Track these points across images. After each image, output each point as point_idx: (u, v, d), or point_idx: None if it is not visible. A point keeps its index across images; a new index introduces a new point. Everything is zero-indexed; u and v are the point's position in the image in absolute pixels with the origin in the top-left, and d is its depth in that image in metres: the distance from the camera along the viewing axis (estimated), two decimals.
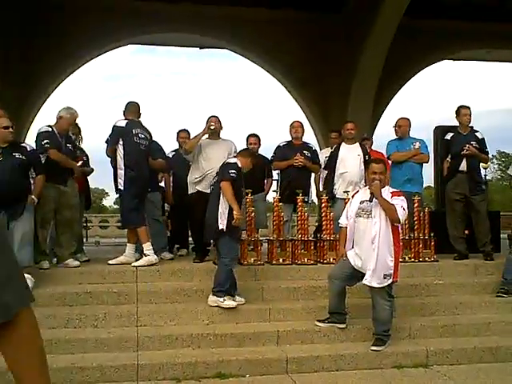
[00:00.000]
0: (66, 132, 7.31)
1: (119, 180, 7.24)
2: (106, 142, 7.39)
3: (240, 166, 6.51)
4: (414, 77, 14.79)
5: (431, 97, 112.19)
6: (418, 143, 8.48)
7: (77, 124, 7.94)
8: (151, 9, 12.49)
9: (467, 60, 16.74)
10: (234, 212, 6.23)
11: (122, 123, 7.28)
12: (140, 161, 7.36)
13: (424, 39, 13.63)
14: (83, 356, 5.55)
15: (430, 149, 9.04)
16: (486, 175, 8.50)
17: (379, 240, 5.73)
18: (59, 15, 12.23)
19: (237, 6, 12.81)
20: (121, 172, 7.22)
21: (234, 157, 6.86)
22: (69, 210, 7.24)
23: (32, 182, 6.61)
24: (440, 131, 9.82)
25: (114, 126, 7.28)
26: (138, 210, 7.35)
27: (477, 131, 8.18)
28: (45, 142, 6.98)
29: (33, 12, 12.18)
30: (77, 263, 7.20)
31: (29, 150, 6.66)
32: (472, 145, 7.96)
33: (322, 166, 8.64)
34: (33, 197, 6.52)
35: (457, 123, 8.31)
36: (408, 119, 8.73)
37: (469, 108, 8.18)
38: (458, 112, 8.20)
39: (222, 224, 6.29)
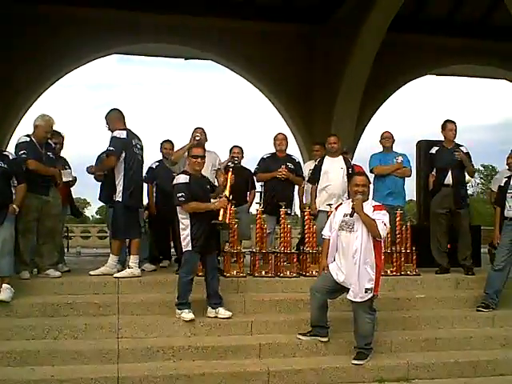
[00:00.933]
0: (45, 140, 7.18)
1: (117, 192, 7.19)
2: (108, 153, 7.25)
3: (184, 179, 6.41)
4: (398, 91, 14.93)
5: (414, 111, 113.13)
6: (400, 157, 8.55)
7: (59, 132, 7.88)
8: (137, 19, 12.49)
9: (451, 75, 16.91)
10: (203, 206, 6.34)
11: (123, 134, 7.20)
12: (139, 172, 7.43)
13: (408, 54, 13.77)
14: (63, 368, 5.49)
15: (413, 163, 9.10)
16: (467, 189, 8.54)
17: (361, 254, 5.75)
18: (39, 25, 12.19)
19: (223, 18, 12.84)
20: (120, 184, 7.18)
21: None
22: (51, 219, 7.17)
23: (13, 191, 6.53)
24: (423, 145, 9.89)
25: (116, 138, 7.16)
26: (138, 222, 7.48)
27: (461, 145, 8.25)
28: (22, 152, 6.87)
29: (10, 23, 12.10)
30: (58, 274, 7.12)
31: (11, 158, 6.58)
32: (458, 158, 8.02)
33: (306, 179, 8.66)
34: (14, 206, 6.43)
35: (441, 137, 8.38)
36: (391, 133, 8.79)
37: (454, 123, 8.25)
38: (443, 126, 8.26)
39: (184, 242, 6.34)
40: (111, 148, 7.17)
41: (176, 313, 6.28)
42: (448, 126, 8.23)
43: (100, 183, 8.13)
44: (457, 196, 8.06)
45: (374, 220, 5.75)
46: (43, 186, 7.03)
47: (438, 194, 8.21)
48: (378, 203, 6.12)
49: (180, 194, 6.28)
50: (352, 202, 5.91)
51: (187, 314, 6.19)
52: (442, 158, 8.20)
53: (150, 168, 8.70)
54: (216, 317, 6.33)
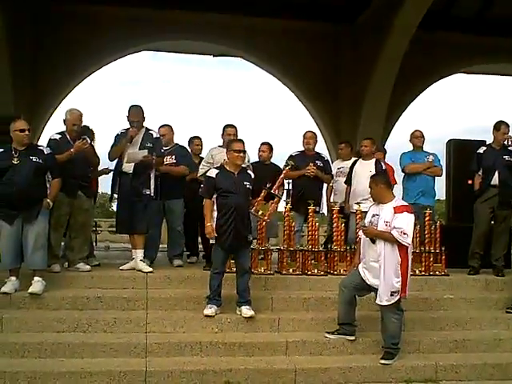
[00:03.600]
0: (75, 133, 7.22)
1: (151, 187, 7.36)
2: (160, 153, 7.50)
3: (212, 173, 6.51)
4: (427, 89, 14.78)
5: (442, 110, 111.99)
6: (431, 156, 8.48)
7: (88, 127, 7.93)
8: (167, 17, 12.57)
9: (481, 74, 16.70)
10: (205, 226, 6.40)
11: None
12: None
13: (438, 52, 13.61)
14: (92, 361, 5.57)
15: (443, 162, 9.02)
16: None
17: (385, 258, 5.73)
18: (72, 21, 12.39)
19: (251, 16, 12.85)
20: (153, 179, 7.37)
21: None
22: (82, 214, 7.26)
23: (48, 185, 6.61)
24: (453, 145, 9.80)
25: (157, 137, 7.49)
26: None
27: (509, 146, 8.16)
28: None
29: (46, 18, 12.35)
30: (88, 267, 7.21)
31: (46, 153, 6.64)
32: (505, 159, 7.96)
33: (334, 177, 8.66)
34: (48, 200, 6.50)
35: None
36: (422, 132, 8.73)
37: (509, 126, 8.16)
38: (497, 127, 8.14)
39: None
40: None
41: None
42: (502, 128, 8.12)
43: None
44: (502, 197, 7.98)
45: (390, 233, 5.68)
46: (74, 184, 7.11)
47: (483, 194, 8.12)
48: (401, 203, 5.98)
49: (202, 186, 6.47)
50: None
51: (207, 310, 6.25)
52: (489, 158, 8.11)
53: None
54: (240, 315, 6.34)
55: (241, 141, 6.70)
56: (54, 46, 12.40)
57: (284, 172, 7.13)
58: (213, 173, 6.48)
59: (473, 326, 6.81)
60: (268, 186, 6.65)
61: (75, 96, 13.60)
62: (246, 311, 6.30)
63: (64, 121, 7.30)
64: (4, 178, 6.34)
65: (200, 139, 9.03)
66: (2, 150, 6.55)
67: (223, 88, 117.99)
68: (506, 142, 8.03)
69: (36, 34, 12.44)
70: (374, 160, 8.28)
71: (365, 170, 8.04)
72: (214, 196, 6.38)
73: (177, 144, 8.41)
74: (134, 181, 7.24)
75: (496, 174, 8.00)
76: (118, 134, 7.40)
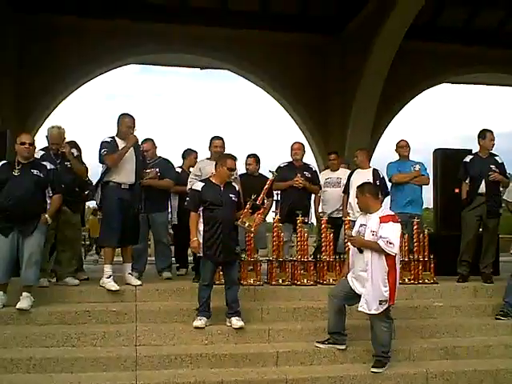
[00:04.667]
0: (56, 151, 7.23)
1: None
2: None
3: (197, 186, 6.49)
4: (414, 99, 14.91)
5: (430, 119, 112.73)
6: (418, 165, 8.53)
7: (75, 142, 7.87)
8: (154, 30, 12.64)
9: (466, 83, 16.86)
10: (191, 240, 6.38)
11: None
12: None
13: (424, 62, 13.79)
14: (82, 375, 5.52)
15: (430, 171, 9.07)
16: (500, 199, 8.48)
17: (372, 267, 5.73)
18: (56, 34, 12.47)
19: (239, 29, 12.93)
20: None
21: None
22: (70, 228, 7.24)
23: (48, 201, 6.59)
24: (439, 154, 9.86)
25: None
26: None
27: (496, 155, 8.23)
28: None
29: (32, 30, 12.41)
30: (76, 282, 7.18)
31: (48, 168, 6.63)
32: (491, 168, 8.03)
33: (322, 188, 8.70)
34: (46, 216, 6.47)
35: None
36: (407, 141, 8.78)
37: (493, 132, 8.22)
38: (483, 135, 8.21)
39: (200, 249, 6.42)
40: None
41: None
42: (488, 135, 8.19)
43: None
44: (490, 205, 8.04)
45: (376, 242, 5.70)
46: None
47: (471, 202, 8.16)
48: (387, 213, 5.97)
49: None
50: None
51: (197, 321, 6.24)
52: (476, 166, 8.17)
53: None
54: (231, 326, 6.33)
55: (235, 158, 6.71)
56: (40, 58, 12.46)
57: (268, 182, 7.13)
58: (198, 186, 6.48)
59: (462, 333, 6.82)
60: (253, 197, 6.66)
61: (63, 109, 13.62)
62: (236, 322, 6.28)
63: (46, 137, 7.34)
64: (3, 189, 6.32)
65: (195, 152, 9.07)
66: (5, 162, 6.59)
67: (212, 100, 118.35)
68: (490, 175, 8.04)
69: (22, 46, 12.48)
70: (371, 169, 8.34)
71: (363, 179, 8.07)
72: (201, 209, 6.39)
73: (160, 157, 8.42)
74: (132, 194, 7.17)
75: (483, 182, 8.05)
76: (106, 141, 7.09)
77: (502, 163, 8.22)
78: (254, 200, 6.65)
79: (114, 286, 6.83)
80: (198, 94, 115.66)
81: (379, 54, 12.25)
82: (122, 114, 7.26)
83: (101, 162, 7.03)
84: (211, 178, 6.56)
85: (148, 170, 7.92)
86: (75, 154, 7.42)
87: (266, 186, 7.10)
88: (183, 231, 8.24)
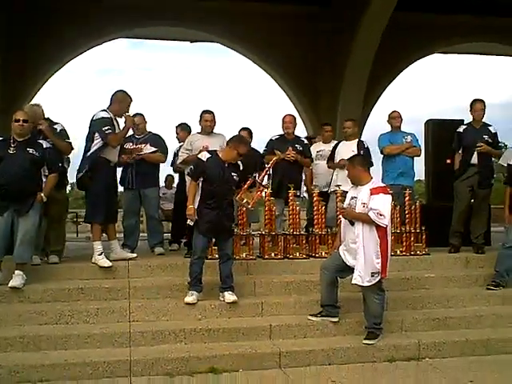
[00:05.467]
0: (32, 128, 6.90)
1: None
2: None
3: (203, 156, 6.44)
4: (405, 70, 14.82)
5: (421, 90, 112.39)
6: (409, 137, 8.48)
7: (50, 118, 7.52)
8: (143, 3, 12.45)
9: (458, 53, 16.76)
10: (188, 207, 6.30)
11: None
12: None
13: (414, 33, 13.65)
14: (75, 352, 5.54)
15: (421, 142, 9.05)
16: (492, 170, 8.47)
17: (363, 239, 5.74)
18: (46, 8, 12.28)
19: (228, 0, 12.75)
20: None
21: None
22: (56, 205, 7.08)
23: (44, 179, 6.55)
24: (431, 125, 9.83)
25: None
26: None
27: (490, 125, 8.20)
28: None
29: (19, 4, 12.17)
30: (56, 259, 7.13)
31: (45, 146, 6.58)
32: (484, 138, 8.01)
33: (314, 160, 8.66)
34: (42, 195, 6.44)
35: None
36: (399, 112, 8.74)
37: (483, 102, 8.18)
38: (471, 106, 8.19)
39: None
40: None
41: None
42: (477, 105, 8.16)
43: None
44: (482, 176, 8.04)
45: (367, 214, 5.70)
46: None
47: (463, 173, 8.18)
48: (377, 185, 5.96)
49: (190, 167, 6.40)
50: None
51: (188, 297, 6.23)
52: (469, 137, 8.15)
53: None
54: (224, 300, 6.35)
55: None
56: (28, 33, 12.24)
57: (272, 162, 7.12)
58: (204, 156, 6.43)
59: (454, 303, 6.87)
60: (254, 175, 6.65)
61: (52, 85, 13.48)
62: (229, 296, 6.30)
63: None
64: None
65: (188, 126, 8.99)
66: (0, 138, 6.53)
67: (204, 74, 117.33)
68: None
69: (9, 21, 12.25)
70: (356, 140, 8.30)
71: (347, 150, 8.05)
72: (200, 179, 6.36)
73: (150, 132, 8.33)
74: (115, 172, 7.18)
75: (475, 153, 8.04)
76: (107, 118, 6.90)
77: (495, 133, 8.20)
78: (254, 177, 6.63)
79: (106, 263, 6.82)
80: (189, 68, 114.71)
81: (370, 25, 12.15)
82: (122, 92, 7.16)
83: (102, 138, 6.84)
84: (219, 153, 6.53)
85: (142, 146, 7.87)
86: (58, 129, 7.27)
87: (269, 166, 7.08)
88: (183, 209, 8.26)
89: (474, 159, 8.06)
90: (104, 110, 7.00)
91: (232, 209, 6.63)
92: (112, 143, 6.91)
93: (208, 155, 6.43)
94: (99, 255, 6.86)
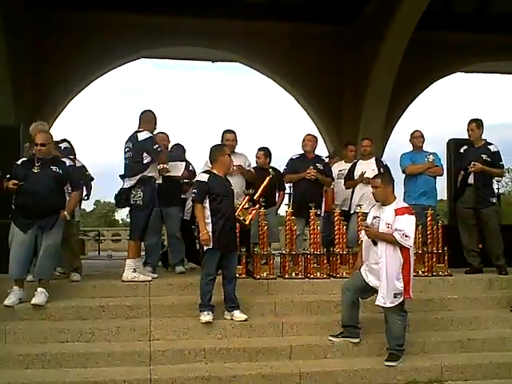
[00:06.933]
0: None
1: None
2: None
3: (202, 177, 6.42)
4: (427, 89, 14.79)
5: (443, 110, 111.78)
6: (431, 156, 8.44)
7: (69, 141, 7.75)
8: (165, 23, 12.64)
9: (480, 72, 16.70)
10: (200, 232, 6.27)
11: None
12: None
13: (436, 52, 13.65)
14: (96, 370, 5.56)
15: (443, 162, 9.00)
16: (498, 188, 8.37)
17: (387, 260, 5.71)
18: (71, 28, 12.51)
19: (250, 20, 12.88)
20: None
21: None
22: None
23: (67, 197, 6.65)
24: (453, 144, 9.77)
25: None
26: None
27: (490, 144, 8.13)
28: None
29: (45, 24, 12.48)
30: (77, 277, 7.21)
31: (67, 164, 6.72)
32: (482, 158, 7.93)
33: (335, 180, 8.65)
34: (65, 213, 6.53)
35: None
36: (421, 132, 8.71)
37: (477, 121, 8.12)
38: (467, 126, 8.16)
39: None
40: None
41: None
42: (470, 125, 8.13)
43: None
44: (478, 195, 7.96)
45: (392, 235, 5.67)
46: None
47: (462, 193, 8.15)
48: (402, 205, 5.96)
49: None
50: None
51: (204, 317, 6.19)
52: (467, 157, 8.12)
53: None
54: (232, 319, 6.32)
55: (224, 146, 6.97)
56: (53, 53, 12.52)
57: (266, 181, 7.19)
58: (203, 177, 6.43)
59: (477, 325, 6.78)
60: (251, 191, 6.67)
61: (77, 103, 13.73)
62: (240, 315, 6.30)
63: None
64: (23, 186, 6.37)
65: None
66: (25, 159, 6.68)
67: (226, 93, 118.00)
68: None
69: (36, 42, 12.52)
70: (374, 158, 8.29)
71: (368, 168, 8.06)
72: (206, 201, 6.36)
73: (172, 150, 8.42)
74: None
75: (472, 173, 7.98)
76: (153, 137, 7.20)
77: (496, 152, 8.08)
78: (252, 194, 6.66)
79: (145, 278, 7.02)
80: (210, 87, 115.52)
81: (391, 43, 12.19)
82: (150, 111, 7.34)
83: (153, 156, 7.03)
84: (213, 170, 6.51)
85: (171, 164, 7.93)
86: (63, 147, 7.40)
87: (264, 184, 7.09)
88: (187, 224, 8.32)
89: (471, 179, 8.01)
90: (142, 131, 7.12)
91: (236, 221, 6.66)
92: (162, 161, 7.23)
93: (206, 175, 6.42)
94: (133, 272, 6.97)
